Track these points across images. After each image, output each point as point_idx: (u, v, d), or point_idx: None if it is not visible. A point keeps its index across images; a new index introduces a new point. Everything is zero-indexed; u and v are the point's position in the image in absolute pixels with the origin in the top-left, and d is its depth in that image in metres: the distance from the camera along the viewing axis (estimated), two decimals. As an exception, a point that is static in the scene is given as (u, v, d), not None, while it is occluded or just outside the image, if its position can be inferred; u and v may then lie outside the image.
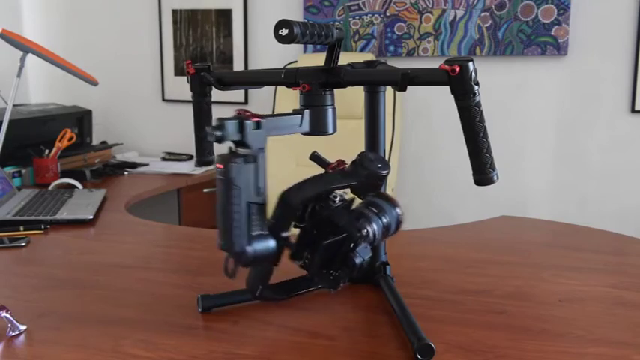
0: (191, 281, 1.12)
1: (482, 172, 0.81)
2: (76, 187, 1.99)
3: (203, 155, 1.06)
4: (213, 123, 0.77)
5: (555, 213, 2.45)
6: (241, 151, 0.78)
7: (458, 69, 0.78)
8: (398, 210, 0.85)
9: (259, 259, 0.82)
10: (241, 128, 0.78)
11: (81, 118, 2.59)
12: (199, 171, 2.47)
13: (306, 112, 0.87)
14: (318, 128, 0.89)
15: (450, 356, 0.82)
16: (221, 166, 0.78)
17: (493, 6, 2.37)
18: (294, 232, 0.88)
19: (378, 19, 2.51)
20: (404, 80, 0.83)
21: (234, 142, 0.79)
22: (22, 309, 0.97)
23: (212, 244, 1.38)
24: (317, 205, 0.87)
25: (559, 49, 2.32)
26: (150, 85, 2.93)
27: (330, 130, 0.89)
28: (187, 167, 2.49)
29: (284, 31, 0.81)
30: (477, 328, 0.91)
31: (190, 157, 2.64)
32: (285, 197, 0.85)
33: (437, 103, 2.51)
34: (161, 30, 2.84)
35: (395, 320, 0.92)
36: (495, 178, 0.82)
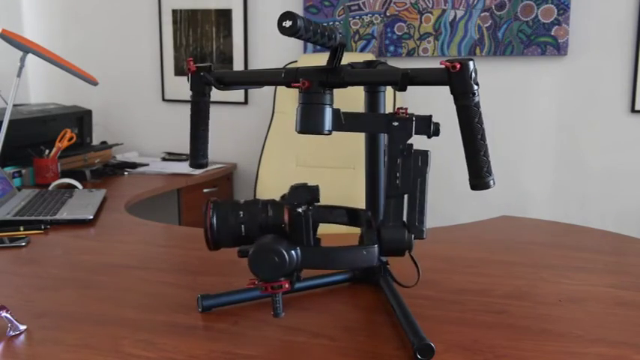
0: (191, 281, 1.12)
1: (479, 176, 0.82)
2: (76, 187, 1.99)
3: (197, 157, 1.03)
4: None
5: (555, 213, 2.45)
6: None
7: (459, 66, 0.78)
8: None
9: None
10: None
11: (81, 118, 2.59)
12: (199, 171, 2.47)
13: None
14: (315, 127, 0.88)
15: (450, 356, 0.82)
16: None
17: (493, 6, 2.37)
18: None
19: (378, 19, 2.51)
20: (404, 80, 0.83)
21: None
22: (22, 309, 0.97)
23: (212, 244, 1.38)
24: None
25: (559, 49, 2.32)
26: (150, 85, 2.93)
27: (326, 130, 0.88)
28: (187, 167, 2.49)
29: (287, 23, 0.80)
30: (476, 328, 0.91)
31: (190, 157, 2.64)
32: None
33: (437, 103, 2.50)
34: (161, 30, 2.84)
35: (395, 320, 0.92)
36: (492, 183, 0.82)
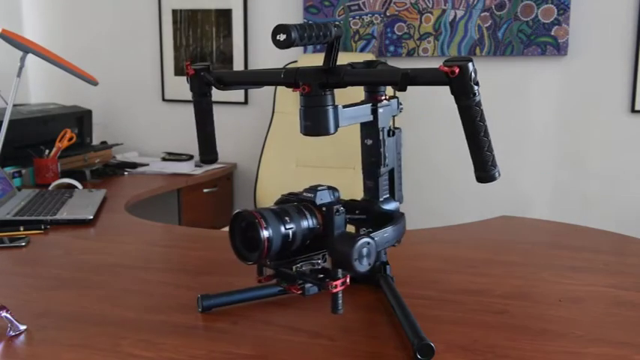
0: (191, 281, 1.12)
1: (484, 169, 0.82)
2: (76, 187, 1.99)
3: (207, 153, 1.06)
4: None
5: (555, 213, 2.45)
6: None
7: (457, 71, 0.78)
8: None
9: None
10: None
11: (81, 118, 2.59)
12: (199, 171, 2.47)
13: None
14: (318, 129, 0.89)
15: (450, 356, 0.82)
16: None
17: (493, 6, 2.37)
18: None
19: (378, 19, 2.51)
20: (404, 80, 0.83)
21: None
22: (22, 309, 0.97)
23: (212, 244, 1.38)
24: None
25: (559, 49, 2.32)
26: (150, 85, 2.93)
27: (331, 131, 0.89)
28: (187, 167, 2.49)
29: (282, 37, 0.81)
30: (477, 328, 0.91)
31: (190, 157, 2.64)
32: None
33: (437, 102, 2.51)
34: (161, 30, 2.84)
35: (395, 320, 0.92)
36: (497, 174, 0.82)
